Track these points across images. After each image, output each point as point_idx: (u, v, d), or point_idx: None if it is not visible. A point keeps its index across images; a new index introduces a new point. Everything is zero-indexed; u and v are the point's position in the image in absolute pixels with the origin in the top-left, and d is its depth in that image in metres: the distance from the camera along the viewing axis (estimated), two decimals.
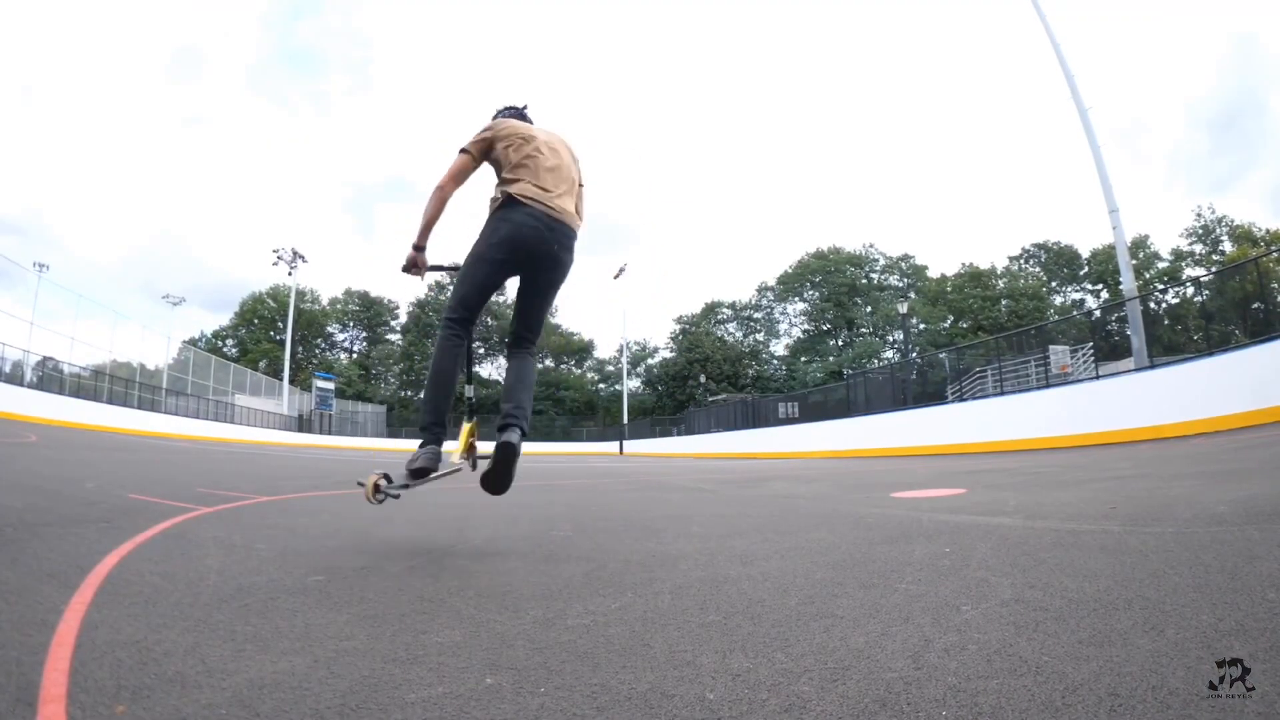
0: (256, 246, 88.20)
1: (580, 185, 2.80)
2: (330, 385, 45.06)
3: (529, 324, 2.67)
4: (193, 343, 48.36)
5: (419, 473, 2.39)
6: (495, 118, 2.83)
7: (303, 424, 41.12)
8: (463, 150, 2.62)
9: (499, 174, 2.66)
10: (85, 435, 14.73)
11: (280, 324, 52.43)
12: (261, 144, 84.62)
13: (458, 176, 2.63)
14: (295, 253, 41.41)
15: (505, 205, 2.55)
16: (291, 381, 43.14)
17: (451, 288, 2.67)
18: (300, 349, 52.99)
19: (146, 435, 20.87)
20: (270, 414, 38.83)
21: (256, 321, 57.36)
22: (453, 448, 2.67)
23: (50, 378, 23.25)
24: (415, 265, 2.64)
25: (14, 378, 21.10)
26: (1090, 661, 1.15)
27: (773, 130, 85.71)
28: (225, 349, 52.64)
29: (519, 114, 2.91)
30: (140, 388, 28.79)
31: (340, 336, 61.23)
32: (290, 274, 42.49)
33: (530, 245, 2.51)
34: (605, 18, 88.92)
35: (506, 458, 2.39)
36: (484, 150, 2.65)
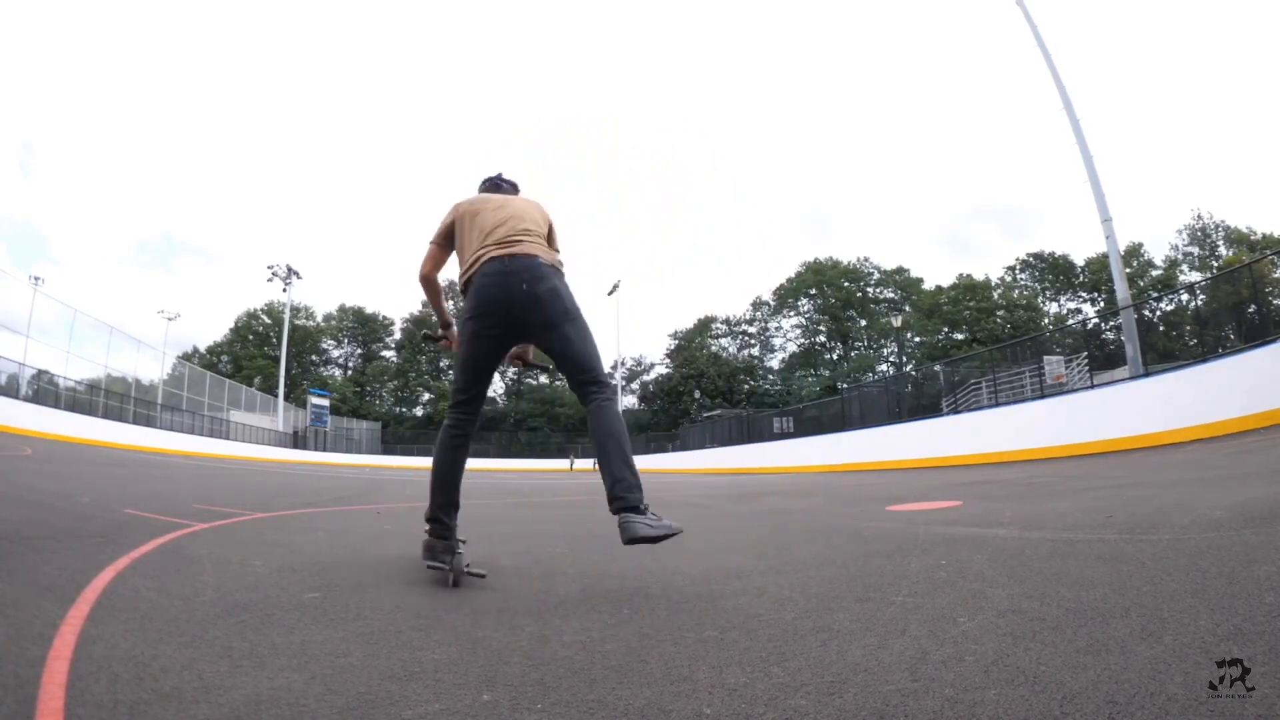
0: (252, 262, 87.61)
1: (550, 228, 2.63)
2: (325, 402, 44.74)
3: (572, 368, 2.32)
4: (187, 358, 48.08)
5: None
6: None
7: (297, 440, 40.77)
8: (432, 243, 2.63)
9: (461, 257, 2.55)
10: (80, 449, 14.61)
11: (275, 340, 52.24)
12: (261, 159, 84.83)
13: (434, 264, 2.65)
14: (290, 269, 41.37)
15: (469, 281, 2.40)
16: (286, 398, 42.89)
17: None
18: (295, 365, 52.68)
19: (141, 450, 20.68)
20: (265, 430, 38.53)
21: (251, 337, 57.12)
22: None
23: (45, 391, 23.07)
24: (448, 340, 2.73)
25: (9, 391, 20.96)
26: (1088, 670, 1.15)
27: (768, 142, 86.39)
28: (220, 365, 52.30)
29: (494, 183, 2.78)
30: (135, 403, 28.59)
31: (335, 353, 60.97)
32: (285, 290, 42.44)
33: (499, 300, 2.29)
34: (595, 32, 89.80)
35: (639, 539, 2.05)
36: (446, 237, 2.61)
